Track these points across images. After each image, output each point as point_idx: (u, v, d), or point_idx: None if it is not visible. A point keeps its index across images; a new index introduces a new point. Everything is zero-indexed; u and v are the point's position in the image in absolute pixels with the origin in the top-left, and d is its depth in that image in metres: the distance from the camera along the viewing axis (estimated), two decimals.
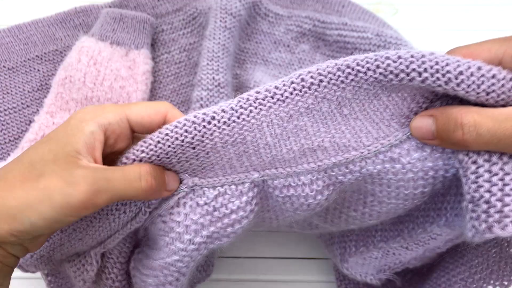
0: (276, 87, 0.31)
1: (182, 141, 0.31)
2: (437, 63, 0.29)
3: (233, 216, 0.33)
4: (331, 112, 0.32)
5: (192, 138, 0.31)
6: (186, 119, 0.31)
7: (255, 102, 0.31)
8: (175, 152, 0.32)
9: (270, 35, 0.57)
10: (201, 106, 0.50)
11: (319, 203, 0.34)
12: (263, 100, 0.31)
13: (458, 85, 0.28)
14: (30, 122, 0.54)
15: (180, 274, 0.35)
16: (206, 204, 0.34)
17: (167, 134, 0.31)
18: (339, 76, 0.30)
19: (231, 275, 0.50)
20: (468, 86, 0.28)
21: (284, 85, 0.31)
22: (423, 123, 0.31)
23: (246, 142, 0.32)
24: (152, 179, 0.32)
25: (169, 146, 0.32)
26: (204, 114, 0.31)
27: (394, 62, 0.29)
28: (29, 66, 0.56)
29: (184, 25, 0.58)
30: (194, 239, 0.33)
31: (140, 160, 0.32)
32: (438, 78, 0.29)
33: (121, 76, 0.53)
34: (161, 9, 0.59)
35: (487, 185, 0.29)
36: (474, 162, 0.30)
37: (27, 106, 0.55)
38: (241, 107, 0.31)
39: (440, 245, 0.40)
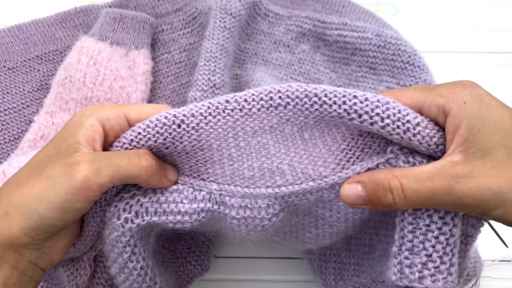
0: (246, 100, 0.31)
1: (155, 141, 0.32)
2: (399, 111, 0.30)
3: (178, 217, 0.33)
4: (292, 135, 0.32)
5: (164, 139, 0.32)
6: (157, 119, 0.32)
7: (224, 112, 0.31)
8: (150, 149, 0.33)
9: (270, 35, 0.57)
10: None
11: (273, 224, 0.35)
12: (232, 111, 0.31)
13: (414, 135, 0.30)
14: (30, 122, 0.54)
15: (131, 247, 0.33)
16: (160, 192, 0.34)
17: (139, 133, 0.32)
18: (305, 102, 0.30)
19: (231, 275, 0.50)
20: (423, 137, 0.30)
21: (253, 99, 0.31)
22: (353, 190, 0.31)
23: (212, 149, 0.33)
24: (152, 159, 0.32)
25: (143, 145, 0.32)
26: (175, 116, 0.31)
27: (361, 102, 0.30)
28: (29, 66, 0.57)
29: (184, 25, 0.58)
30: (134, 219, 0.32)
31: None
32: (398, 126, 0.29)
33: (121, 76, 0.53)
34: (161, 9, 0.59)
35: (432, 239, 0.30)
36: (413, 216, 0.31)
37: (27, 106, 0.55)
38: (210, 114, 0.31)
39: None
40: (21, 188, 0.30)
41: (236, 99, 0.31)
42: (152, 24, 0.56)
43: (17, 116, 0.54)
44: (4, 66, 0.56)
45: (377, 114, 0.29)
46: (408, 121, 0.30)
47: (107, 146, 0.33)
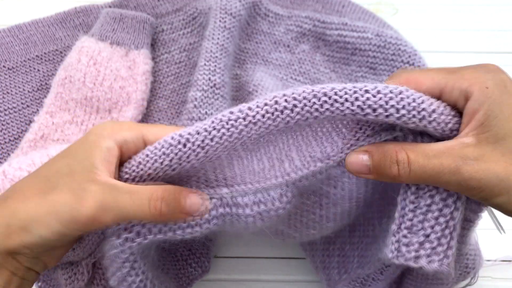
0: (249, 108, 0.30)
1: (161, 163, 0.31)
2: (414, 100, 0.29)
3: (188, 230, 0.32)
4: (300, 127, 0.32)
5: (170, 161, 0.31)
6: (164, 140, 0.31)
7: (227, 124, 0.30)
8: (156, 172, 0.32)
9: (270, 35, 0.57)
10: (195, 106, 0.49)
11: (286, 210, 0.34)
12: (235, 121, 0.30)
13: (430, 122, 0.29)
14: (30, 122, 0.54)
15: (130, 262, 0.33)
16: None
17: (147, 155, 0.31)
18: (314, 103, 0.29)
19: (231, 275, 0.50)
20: (438, 124, 0.29)
21: (257, 106, 0.30)
22: (359, 158, 0.31)
23: (220, 158, 0.32)
24: (162, 205, 0.31)
25: (149, 168, 0.31)
26: (180, 136, 0.31)
27: (374, 96, 0.29)
28: (29, 66, 0.56)
29: (184, 25, 0.58)
30: (135, 239, 0.32)
31: (133, 179, 0.32)
32: (413, 116, 0.29)
33: (121, 76, 0.53)
34: (161, 9, 0.59)
35: (432, 220, 0.30)
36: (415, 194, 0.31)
37: (27, 106, 0.55)
38: (214, 128, 0.30)
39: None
40: (26, 204, 0.30)
41: (239, 109, 0.31)
42: (152, 24, 0.56)
43: (17, 116, 0.54)
44: (4, 66, 0.56)
45: (392, 106, 0.29)
46: (423, 109, 0.29)
47: (120, 165, 0.33)
